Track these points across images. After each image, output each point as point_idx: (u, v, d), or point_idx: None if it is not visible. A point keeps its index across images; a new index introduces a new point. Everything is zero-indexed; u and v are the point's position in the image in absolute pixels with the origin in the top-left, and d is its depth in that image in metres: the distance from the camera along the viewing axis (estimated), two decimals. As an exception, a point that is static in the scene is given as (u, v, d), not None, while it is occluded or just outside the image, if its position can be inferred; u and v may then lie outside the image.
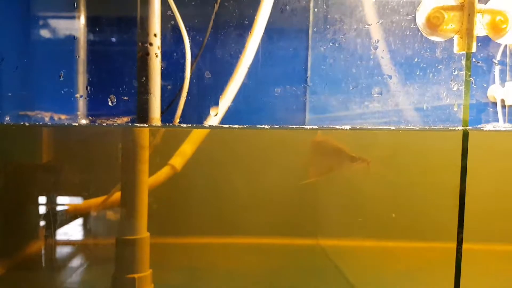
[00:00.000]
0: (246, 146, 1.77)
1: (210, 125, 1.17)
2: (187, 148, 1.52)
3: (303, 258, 1.86)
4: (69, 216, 1.45)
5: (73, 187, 1.53)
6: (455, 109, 1.11)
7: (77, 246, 1.46)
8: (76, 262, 1.45)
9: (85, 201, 1.49)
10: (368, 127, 1.07)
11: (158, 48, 1.14)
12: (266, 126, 0.97)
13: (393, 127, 1.05)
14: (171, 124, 1.16)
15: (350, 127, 1.02)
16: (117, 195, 1.37)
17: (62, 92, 1.28)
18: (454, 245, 1.08)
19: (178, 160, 1.53)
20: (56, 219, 1.42)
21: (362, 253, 1.97)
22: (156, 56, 1.14)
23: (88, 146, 1.50)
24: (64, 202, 1.47)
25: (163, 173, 1.53)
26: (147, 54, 1.13)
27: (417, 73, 1.19)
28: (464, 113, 1.04)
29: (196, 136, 1.52)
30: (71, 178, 1.53)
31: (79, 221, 1.48)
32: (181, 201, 1.77)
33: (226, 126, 1.17)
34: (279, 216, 1.88)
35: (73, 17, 1.48)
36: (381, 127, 1.08)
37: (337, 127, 1.02)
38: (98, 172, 1.51)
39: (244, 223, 1.88)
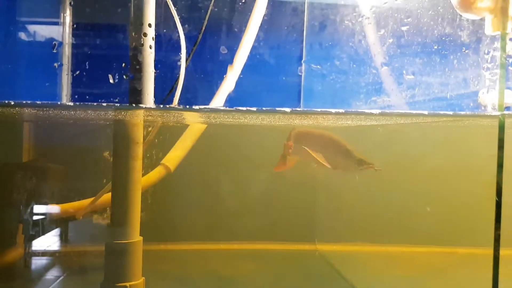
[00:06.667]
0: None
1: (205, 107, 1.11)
2: (181, 147, 1.45)
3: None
4: (55, 219, 1.35)
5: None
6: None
7: (63, 251, 1.34)
8: (61, 269, 1.34)
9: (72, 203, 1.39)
10: (371, 111, 1.00)
11: (153, 39, 1.09)
12: (253, 109, 0.90)
13: (426, 112, 0.97)
14: (167, 106, 1.09)
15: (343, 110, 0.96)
16: (107, 195, 1.28)
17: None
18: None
19: (171, 160, 1.45)
20: (41, 222, 1.32)
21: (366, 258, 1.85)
22: (150, 47, 1.09)
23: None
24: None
25: (155, 173, 1.44)
26: (141, 45, 1.08)
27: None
28: (500, 97, 0.95)
29: (190, 134, 1.46)
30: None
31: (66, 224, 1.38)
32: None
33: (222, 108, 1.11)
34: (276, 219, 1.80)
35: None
36: (401, 111, 1.00)
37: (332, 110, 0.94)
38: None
39: (241, 228, 1.79)
